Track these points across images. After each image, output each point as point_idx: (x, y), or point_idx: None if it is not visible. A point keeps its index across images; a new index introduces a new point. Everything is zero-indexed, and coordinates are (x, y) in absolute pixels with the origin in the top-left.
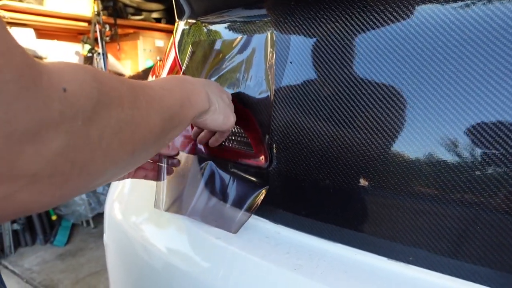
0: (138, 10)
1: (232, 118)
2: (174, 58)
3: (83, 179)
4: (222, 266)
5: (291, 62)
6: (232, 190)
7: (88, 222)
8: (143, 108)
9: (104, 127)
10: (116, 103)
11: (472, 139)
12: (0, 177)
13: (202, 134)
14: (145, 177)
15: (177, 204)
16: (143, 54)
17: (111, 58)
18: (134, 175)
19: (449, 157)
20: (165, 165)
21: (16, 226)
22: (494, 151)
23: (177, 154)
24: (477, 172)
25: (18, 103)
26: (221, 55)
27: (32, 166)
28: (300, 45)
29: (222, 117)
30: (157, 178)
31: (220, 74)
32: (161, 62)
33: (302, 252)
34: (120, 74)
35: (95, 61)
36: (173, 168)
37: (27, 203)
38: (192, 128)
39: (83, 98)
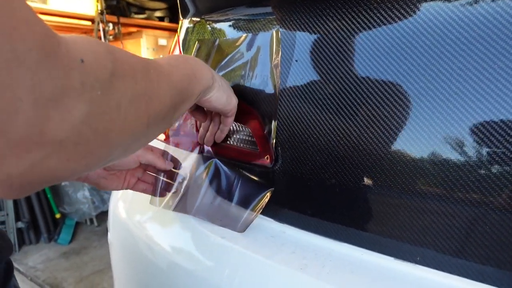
0: (141, 9)
1: (234, 99)
2: None
3: (105, 148)
4: (227, 265)
5: (296, 61)
6: (237, 190)
7: (91, 221)
8: (154, 82)
9: (121, 97)
10: (130, 75)
11: (480, 137)
12: (30, 143)
13: (208, 134)
14: (145, 191)
15: (182, 204)
16: (146, 52)
17: None
18: (133, 187)
19: (457, 156)
20: (162, 179)
21: (20, 224)
22: (502, 150)
23: (175, 167)
24: (484, 171)
25: (41, 71)
26: (225, 53)
27: (59, 133)
28: (306, 43)
29: (225, 96)
30: (155, 193)
31: (225, 72)
32: None
33: (307, 252)
34: None
35: None
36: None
37: (55, 170)
38: (197, 129)
39: (100, 69)
